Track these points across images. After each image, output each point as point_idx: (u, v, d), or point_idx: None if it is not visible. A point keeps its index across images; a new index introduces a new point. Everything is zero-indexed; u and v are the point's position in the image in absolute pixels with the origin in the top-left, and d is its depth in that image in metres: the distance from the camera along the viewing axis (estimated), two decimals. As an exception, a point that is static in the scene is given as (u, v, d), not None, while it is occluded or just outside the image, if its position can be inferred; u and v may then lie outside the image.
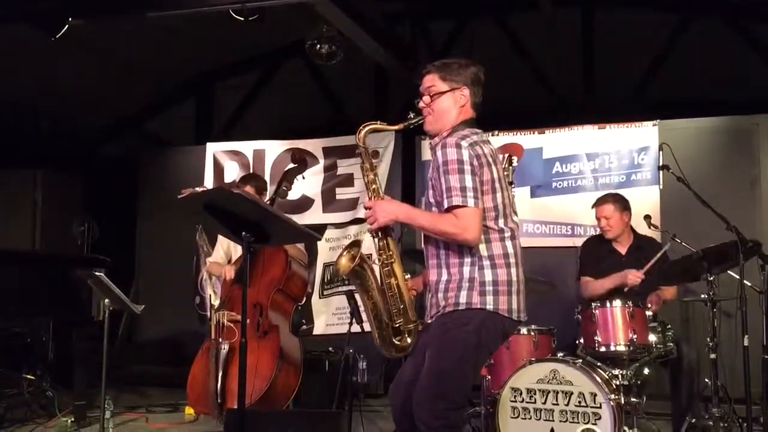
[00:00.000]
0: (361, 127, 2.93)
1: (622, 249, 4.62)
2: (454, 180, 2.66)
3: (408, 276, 2.94)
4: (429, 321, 2.84)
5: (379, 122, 2.95)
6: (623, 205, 4.62)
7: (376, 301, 2.92)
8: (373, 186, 2.91)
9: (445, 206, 2.68)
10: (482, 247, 2.74)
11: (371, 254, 3.00)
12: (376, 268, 2.92)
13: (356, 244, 3.01)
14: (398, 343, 2.93)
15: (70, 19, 5.13)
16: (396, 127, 2.94)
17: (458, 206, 2.65)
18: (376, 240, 2.88)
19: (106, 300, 4.68)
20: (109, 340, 4.65)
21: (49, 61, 6.42)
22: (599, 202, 4.67)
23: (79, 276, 4.88)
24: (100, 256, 5.79)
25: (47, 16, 5.25)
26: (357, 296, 4.20)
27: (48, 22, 5.27)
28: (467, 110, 2.88)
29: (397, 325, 2.91)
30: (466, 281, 2.72)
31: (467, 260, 2.73)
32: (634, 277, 4.25)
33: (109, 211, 7.87)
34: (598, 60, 6.83)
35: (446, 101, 2.85)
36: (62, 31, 5.19)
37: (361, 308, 4.11)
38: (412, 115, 2.91)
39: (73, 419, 5.11)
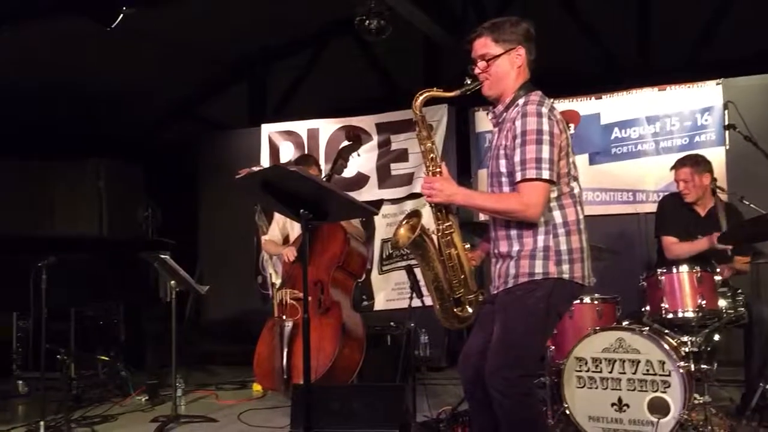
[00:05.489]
0: (417, 95, 2.85)
1: (702, 211, 4.48)
2: (530, 151, 2.60)
3: (468, 246, 2.92)
4: (494, 292, 2.81)
5: (435, 89, 2.87)
6: (703, 167, 4.45)
7: (436, 272, 2.90)
8: (431, 155, 2.85)
9: (518, 179, 2.63)
10: (557, 214, 2.70)
11: (429, 227, 2.98)
12: (435, 239, 2.90)
13: (416, 214, 2.98)
14: (460, 313, 2.92)
15: (124, 8, 5.23)
16: (452, 94, 2.86)
17: (529, 179, 2.60)
18: (435, 211, 2.85)
19: (172, 282, 4.82)
20: (177, 321, 4.79)
21: (107, 51, 6.57)
22: (677, 165, 4.54)
23: (145, 259, 5.02)
24: (164, 239, 5.95)
25: (102, 7, 5.37)
26: (416, 270, 4.23)
27: (103, 13, 5.38)
28: (524, 70, 2.80)
29: (457, 296, 2.89)
30: (540, 250, 2.68)
31: (541, 229, 2.69)
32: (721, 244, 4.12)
33: (171, 195, 8.05)
34: (655, 18, 6.60)
35: (503, 64, 2.77)
36: (117, 21, 5.30)
37: (421, 281, 4.13)
38: (468, 81, 2.82)
39: (146, 398, 5.31)
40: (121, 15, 5.28)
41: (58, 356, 4.99)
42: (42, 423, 4.22)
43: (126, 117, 8.15)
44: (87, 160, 8.05)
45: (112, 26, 5.34)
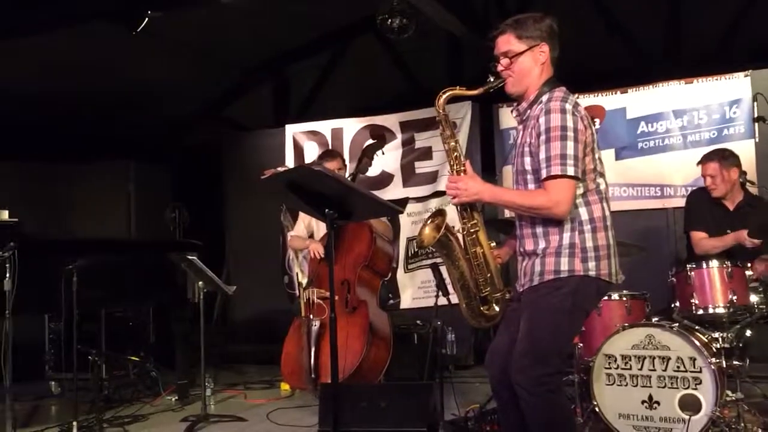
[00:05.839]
0: (440, 94, 2.84)
1: (731, 205, 4.41)
2: (555, 148, 2.57)
3: (493, 244, 2.90)
4: (520, 289, 2.80)
5: (458, 87, 2.86)
6: (731, 161, 4.38)
7: (462, 271, 2.89)
8: (455, 153, 2.84)
9: (543, 176, 2.61)
10: (582, 211, 2.68)
11: (454, 226, 2.97)
12: (461, 237, 2.89)
13: (440, 213, 2.97)
14: (486, 312, 2.90)
15: (149, 12, 5.29)
16: (475, 92, 2.84)
17: (555, 176, 2.58)
18: (460, 209, 2.84)
19: (200, 282, 4.86)
20: (205, 321, 4.83)
21: (132, 55, 6.65)
22: (704, 160, 4.48)
23: (173, 260, 5.08)
24: (191, 240, 6.00)
25: (126, 11, 5.44)
26: (442, 268, 4.22)
27: (127, 17, 5.45)
28: (548, 67, 2.78)
29: (484, 294, 2.88)
30: (566, 247, 2.66)
31: (567, 226, 2.66)
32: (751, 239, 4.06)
33: (198, 196, 8.14)
34: (682, 9, 6.51)
35: (526, 61, 2.75)
36: (141, 26, 5.36)
37: (447, 280, 4.12)
38: (491, 79, 2.80)
39: (176, 397, 5.36)
40: (146, 19, 5.35)
41: (90, 357, 5.06)
42: (75, 423, 4.28)
43: (153, 120, 8.26)
44: (115, 163, 8.17)
45: (138, 30, 5.40)
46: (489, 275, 2.86)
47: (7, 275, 4.00)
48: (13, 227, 4.27)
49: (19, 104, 6.98)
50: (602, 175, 2.75)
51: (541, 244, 2.71)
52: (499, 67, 2.79)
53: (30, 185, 7.75)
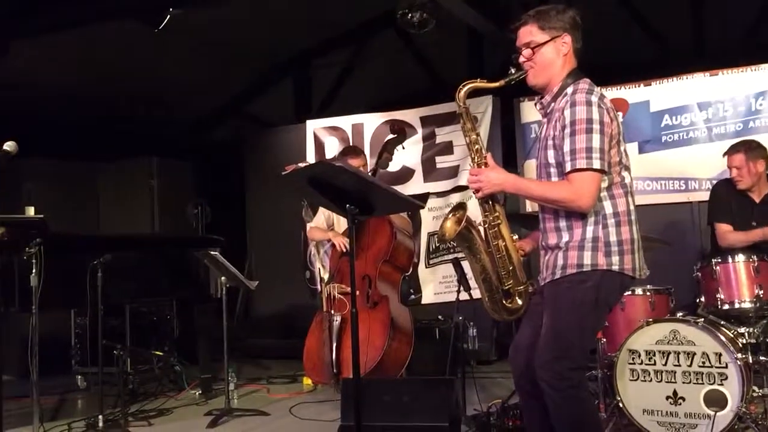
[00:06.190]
0: (460, 87, 2.82)
1: (756, 198, 4.35)
2: (581, 140, 2.54)
3: (516, 237, 2.88)
4: (542, 283, 2.78)
5: (478, 80, 2.84)
6: (757, 153, 4.32)
7: (484, 264, 2.88)
8: (476, 146, 2.82)
9: (567, 169, 2.58)
10: (607, 204, 2.65)
11: (476, 220, 2.96)
12: (482, 230, 2.87)
13: (461, 206, 2.95)
14: (509, 305, 2.89)
15: (170, 9, 5.32)
16: (496, 84, 2.81)
17: (579, 169, 2.55)
18: (482, 202, 2.81)
19: (223, 278, 4.90)
20: (228, 316, 4.87)
21: (155, 52, 6.71)
22: (730, 151, 4.42)
23: (196, 256, 5.12)
24: (214, 236, 6.05)
25: (149, 9, 5.48)
26: (463, 263, 4.21)
27: (150, 14, 5.50)
28: (571, 58, 2.74)
29: (506, 288, 2.86)
30: (589, 241, 2.63)
31: (591, 219, 2.64)
32: None
33: (220, 192, 8.20)
34: (706, 0, 6.42)
35: (549, 52, 2.72)
36: (164, 23, 5.40)
37: (468, 274, 4.11)
38: (512, 71, 2.78)
39: (200, 391, 5.41)
40: (168, 16, 5.38)
41: (115, 352, 5.13)
42: (101, 417, 4.34)
43: (176, 116, 8.32)
44: (139, 159, 8.24)
45: (160, 27, 5.44)
46: (511, 268, 2.84)
47: (34, 271, 4.06)
48: (39, 224, 4.32)
49: (44, 102, 7.07)
50: (627, 168, 2.72)
51: (565, 238, 2.68)
52: (521, 59, 2.76)
53: (55, 182, 7.85)
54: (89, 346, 5.90)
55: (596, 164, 2.55)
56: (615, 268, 2.63)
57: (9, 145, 3.37)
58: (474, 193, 2.80)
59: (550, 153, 2.69)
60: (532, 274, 3.04)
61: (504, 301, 2.89)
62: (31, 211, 4.51)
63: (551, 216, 2.74)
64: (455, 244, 3.27)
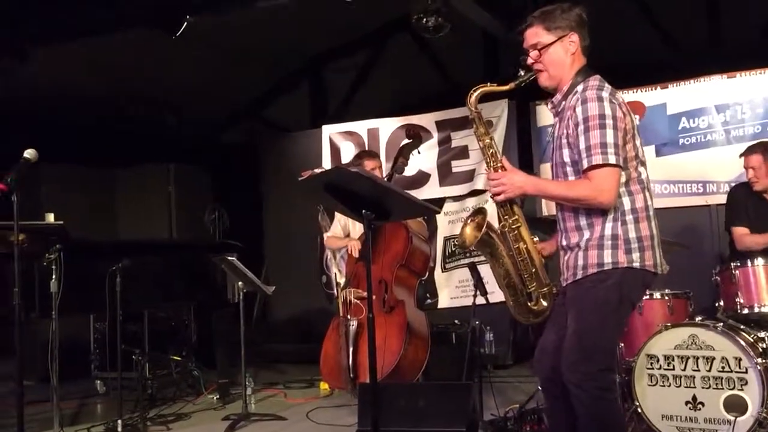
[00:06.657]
0: (471, 91, 2.83)
1: None
2: (594, 137, 2.53)
3: (536, 239, 2.87)
4: (564, 284, 2.76)
5: (489, 84, 2.84)
6: None
7: (507, 268, 2.86)
8: (491, 150, 2.81)
9: (584, 166, 2.57)
10: (625, 201, 2.63)
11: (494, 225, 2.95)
12: (502, 235, 2.86)
13: (480, 211, 2.94)
14: (534, 308, 2.88)
15: (188, 17, 5.37)
16: (507, 87, 2.81)
17: (596, 166, 2.54)
18: (500, 206, 2.81)
19: (240, 283, 4.92)
20: (245, 321, 4.89)
21: (171, 58, 6.76)
22: (747, 152, 4.41)
23: (214, 261, 5.15)
24: (231, 241, 6.08)
25: (168, 16, 5.53)
26: (480, 267, 4.20)
27: (167, 22, 5.54)
28: (579, 56, 2.74)
29: (530, 290, 2.85)
30: (608, 239, 2.62)
31: (609, 216, 2.62)
32: None
33: (236, 197, 8.23)
34: (723, 1, 6.36)
35: (556, 52, 2.71)
36: (181, 30, 5.45)
37: (485, 279, 4.10)
38: (522, 73, 2.78)
39: (218, 396, 5.44)
40: (186, 23, 5.43)
41: (134, 357, 5.17)
42: (119, 421, 4.37)
43: (192, 122, 8.37)
44: (156, 165, 8.30)
45: (178, 34, 5.49)
46: (534, 270, 2.83)
47: (54, 277, 4.11)
48: (59, 230, 4.37)
49: (61, 107, 7.14)
50: (644, 163, 2.71)
51: (585, 235, 2.66)
52: (529, 60, 2.76)
53: (74, 188, 7.91)
54: (108, 351, 5.94)
55: (612, 159, 2.53)
56: (636, 264, 2.61)
57: (29, 153, 3.40)
58: (493, 197, 2.79)
59: (565, 152, 2.68)
60: (552, 276, 3.02)
61: (528, 304, 2.88)
62: (50, 217, 4.55)
63: (571, 214, 2.72)
64: (473, 250, 3.26)
